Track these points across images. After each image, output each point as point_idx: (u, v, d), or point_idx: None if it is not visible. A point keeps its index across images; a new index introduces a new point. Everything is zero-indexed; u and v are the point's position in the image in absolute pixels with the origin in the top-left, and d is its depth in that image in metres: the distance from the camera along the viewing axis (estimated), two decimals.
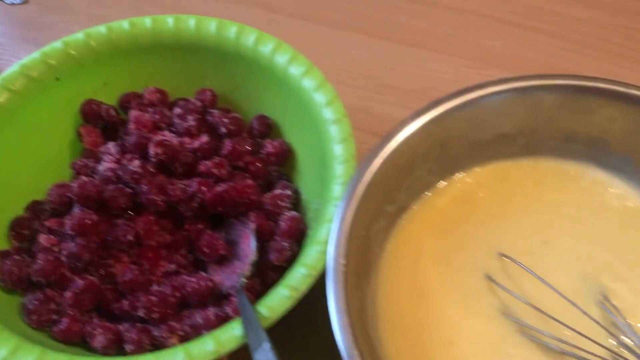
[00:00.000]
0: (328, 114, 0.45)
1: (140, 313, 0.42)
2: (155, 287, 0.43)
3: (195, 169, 0.48)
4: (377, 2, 0.69)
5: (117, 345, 0.42)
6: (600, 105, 0.42)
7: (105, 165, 0.47)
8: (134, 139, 0.47)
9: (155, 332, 0.41)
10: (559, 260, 0.43)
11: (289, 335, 0.39)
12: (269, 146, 0.50)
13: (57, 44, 0.50)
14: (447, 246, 0.44)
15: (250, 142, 0.50)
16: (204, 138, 0.49)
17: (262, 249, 0.45)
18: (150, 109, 0.50)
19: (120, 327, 0.42)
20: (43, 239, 0.46)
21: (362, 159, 0.42)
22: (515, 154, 0.47)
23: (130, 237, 0.44)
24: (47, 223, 0.47)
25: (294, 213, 0.46)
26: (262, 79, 0.50)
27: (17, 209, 0.48)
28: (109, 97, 0.52)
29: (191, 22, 0.50)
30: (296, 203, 0.48)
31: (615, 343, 0.39)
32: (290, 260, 0.44)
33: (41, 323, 0.42)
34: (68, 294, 0.42)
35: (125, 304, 0.43)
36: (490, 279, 0.42)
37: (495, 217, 0.45)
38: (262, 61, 0.49)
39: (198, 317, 0.41)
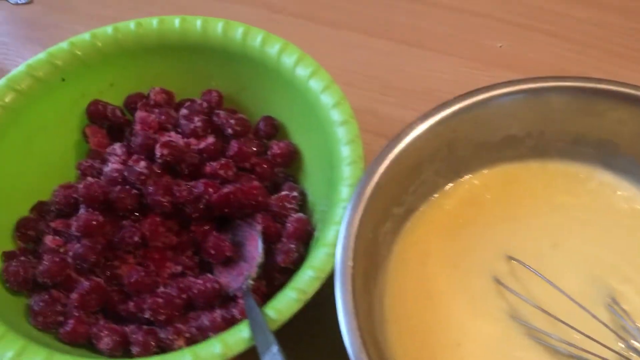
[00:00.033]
0: (335, 115, 0.45)
1: (147, 315, 0.42)
2: (161, 289, 0.43)
3: (201, 170, 0.48)
4: (380, 2, 0.69)
5: (123, 347, 0.41)
6: (610, 108, 0.42)
7: (112, 166, 0.47)
8: (140, 140, 0.47)
9: (162, 334, 0.41)
10: (567, 262, 0.43)
11: (295, 337, 0.39)
12: (275, 147, 0.50)
13: (63, 45, 0.49)
14: (455, 248, 0.44)
15: (257, 143, 0.50)
16: (210, 139, 0.49)
17: (269, 251, 0.45)
18: (156, 110, 0.50)
19: (126, 329, 0.42)
20: (49, 240, 0.45)
21: (369, 161, 0.42)
22: (523, 156, 0.47)
23: (136, 239, 0.44)
24: (52, 224, 0.47)
25: (300, 215, 0.46)
26: (269, 80, 0.50)
27: (23, 210, 0.48)
28: (114, 98, 0.52)
29: (197, 22, 0.50)
30: (302, 204, 0.48)
31: (624, 346, 0.39)
32: (297, 262, 0.43)
33: (47, 325, 0.42)
34: (74, 296, 0.42)
35: (131, 305, 0.43)
36: (498, 281, 0.42)
37: (502, 219, 0.45)
38: (269, 62, 0.49)
39: (205, 319, 0.41)
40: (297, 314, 0.38)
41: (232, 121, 0.50)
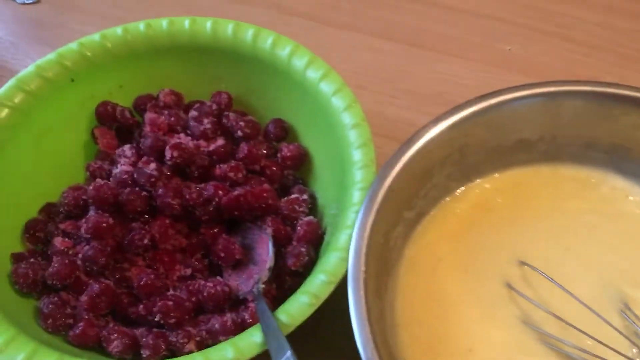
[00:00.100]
0: (347, 118, 0.44)
1: (157, 318, 0.41)
2: (171, 292, 0.43)
3: (210, 172, 0.48)
4: (390, 4, 0.69)
5: (133, 350, 0.41)
6: (624, 113, 0.42)
7: (121, 168, 0.46)
8: (149, 142, 0.47)
9: (172, 338, 0.41)
10: (579, 267, 0.43)
11: (304, 340, 0.39)
12: (285, 150, 0.49)
13: (73, 45, 0.49)
14: (466, 252, 0.44)
15: (266, 145, 0.50)
16: (220, 141, 0.49)
17: (278, 254, 0.44)
18: (165, 112, 0.50)
19: (136, 332, 0.42)
20: (58, 241, 0.45)
21: (379, 164, 0.42)
22: (534, 160, 0.46)
23: (146, 241, 0.44)
24: (61, 226, 0.46)
25: (311, 218, 0.46)
26: (279, 82, 0.50)
27: (31, 211, 0.48)
28: (123, 99, 0.52)
29: (207, 24, 0.50)
30: (312, 207, 0.48)
31: (636, 352, 0.39)
32: (308, 266, 0.43)
33: (56, 327, 0.41)
34: (84, 298, 0.42)
35: (140, 308, 0.43)
36: (510, 286, 0.42)
37: (514, 224, 0.45)
38: (279, 64, 0.48)
39: (215, 323, 0.41)
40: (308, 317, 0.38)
41: (242, 123, 0.50)
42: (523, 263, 0.43)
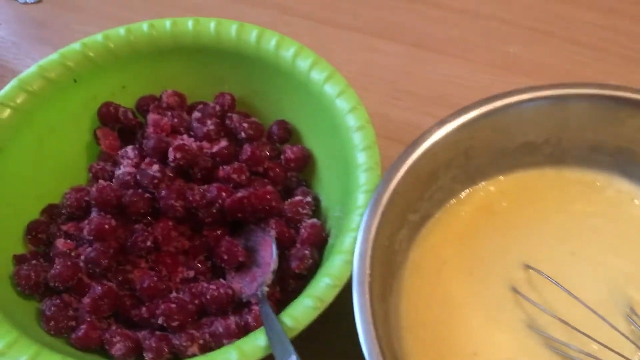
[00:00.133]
0: (351, 120, 0.44)
1: (160, 320, 0.41)
2: (174, 294, 0.43)
3: (214, 174, 0.47)
4: (393, 5, 0.69)
5: (136, 353, 0.41)
6: (630, 116, 0.42)
7: (124, 170, 0.46)
8: (152, 143, 0.47)
9: (175, 340, 0.41)
10: (585, 271, 0.42)
11: (309, 344, 0.39)
12: (289, 152, 0.49)
13: (75, 46, 0.49)
14: (471, 256, 0.44)
15: (270, 147, 0.50)
16: (223, 143, 0.49)
17: (282, 257, 0.44)
18: (168, 113, 0.50)
19: (139, 335, 0.42)
20: (60, 243, 0.45)
21: (383, 167, 0.41)
22: (539, 163, 0.46)
23: (148, 243, 0.44)
24: (64, 227, 0.46)
25: (314, 220, 0.46)
26: (283, 83, 0.49)
27: (33, 212, 0.47)
28: (126, 100, 0.51)
29: (211, 25, 0.50)
30: (315, 210, 0.48)
31: None
32: (312, 269, 0.43)
33: (59, 329, 0.41)
34: (86, 300, 0.42)
35: (143, 310, 0.42)
36: (515, 290, 0.41)
37: (519, 227, 0.45)
38: (283, 65, 0.48)
39: (219, 326, 0.41)
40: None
41: (245, 125, 0.49)
42: (528, 266, 0.42)
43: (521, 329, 0.40)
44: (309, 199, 0.47)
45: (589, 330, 0.38)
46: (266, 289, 0.42)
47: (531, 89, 0.42)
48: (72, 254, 0.44)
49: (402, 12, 0.68)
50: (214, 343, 0.41)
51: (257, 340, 0.37)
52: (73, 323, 0.42)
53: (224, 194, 0.45)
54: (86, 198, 0.46)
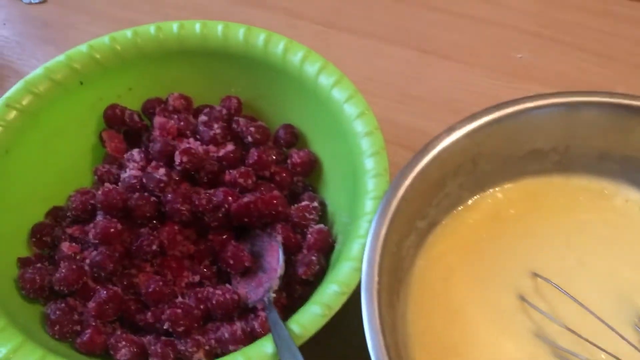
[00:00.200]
0: (359, 126, 0.44)
1: (165, 326, 0.41)
2: (179, 299, 0.43)
3: (220, 178, 0.47)
4: (401, 10, 0.69)
5: (142, 358, 0.41)
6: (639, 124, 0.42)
7: (130, 173, 0.46)
8: (159, 147, 0.47)
9: (181, 346, 0.40)
10: (593, 280, 0.42)
11: (316, 352, 0.38)
12: (296, 156, 0.49)
13: (82, 48, 0.49)
14: (478, 263, 0.43)
15: (276, 151, 0.50)
16: (230, 146, 0.48)
17: (288, 262, 0.44)
18: (174, 116, 0.50)
19: (144, 340, 0.41)
20: (65, 246, 0.45)
21: (392, 172, 0.41)
22: (547, 170, 0.46)
23: (154, 247, 0.43)
24: (69, 230, 0.46)
25: (321, 226, 0.45)
26: (290, 87, 0.49)
27: (38, 215, 0.47)
28: (132, 102, 0.51)
29: (219, 28, 0.49)
30: (322, 215, 0.47)
31: None
32: (319, 275, 0.43)
33: (64, 334, 0.41)
34: (91, 305, 0.42)
35: (148, 315, 0.42)
36: (523, 299, 0.41)
37: (526, 235, 0.44)
38: (291, 70, 0.48)
39: (225, 332, 0.40)
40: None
41: (252, 129, 0.49)
42: (536, 275, 0.42)
43: (529, 337, 0.40)
44: (315, 204, 0.46)
45: (596, 339, 0.38)
46: (273, 294, 0.42)
47: (541, 97, 0.42)
48: (77, 257, 0.44)
49: (409, 17, 0.68)
50: (220, 349, 0.40)
51: (264, 347, 0.36)
52: (78, 327, 0.41)
53: (230, 198, 0.44)
54: (92, 201, 0.45)
